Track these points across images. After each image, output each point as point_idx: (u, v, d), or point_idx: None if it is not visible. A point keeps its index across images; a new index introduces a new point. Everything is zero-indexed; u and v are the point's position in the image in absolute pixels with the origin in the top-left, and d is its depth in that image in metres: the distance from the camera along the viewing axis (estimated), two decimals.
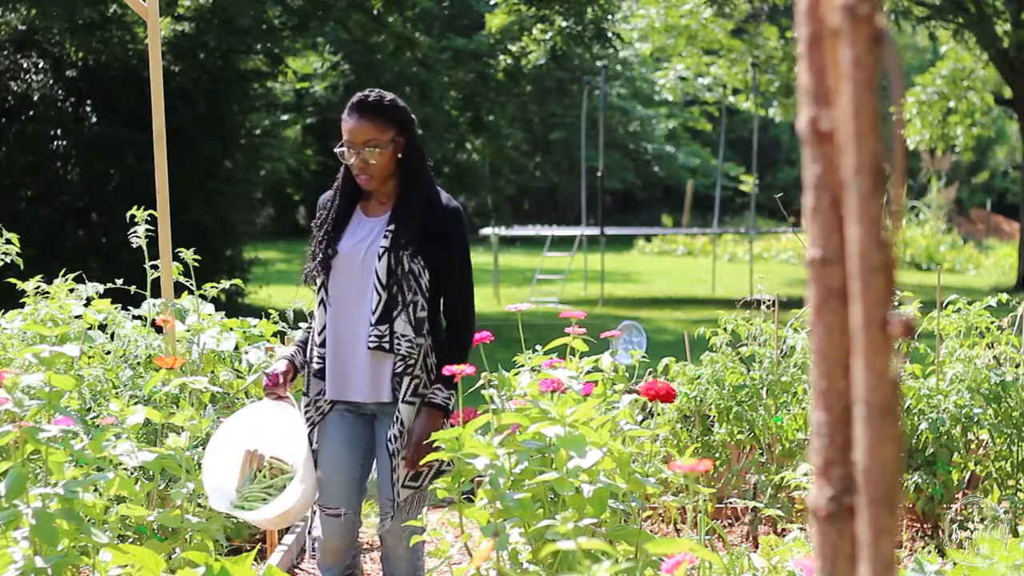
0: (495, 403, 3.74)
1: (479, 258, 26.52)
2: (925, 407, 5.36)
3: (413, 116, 4.04)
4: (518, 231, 23.78)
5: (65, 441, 3.43)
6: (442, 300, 4.02)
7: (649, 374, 5.58)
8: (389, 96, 3.99)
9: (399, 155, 3.97)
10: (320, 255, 4.01)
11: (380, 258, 3.93)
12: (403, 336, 3.92)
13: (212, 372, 5.25)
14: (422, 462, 3.81)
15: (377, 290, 3.91)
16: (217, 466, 3.95)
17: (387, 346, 3.92)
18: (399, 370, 3.93)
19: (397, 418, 3.95)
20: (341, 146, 3.97)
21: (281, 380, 4.03)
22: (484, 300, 19.41)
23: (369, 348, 3.93)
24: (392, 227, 3.94)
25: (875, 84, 1.23)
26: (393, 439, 3.95)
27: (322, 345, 4.02)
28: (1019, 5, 19.52)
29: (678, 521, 5.57)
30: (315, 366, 4.03)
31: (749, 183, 23.50)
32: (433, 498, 6.57)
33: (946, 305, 5.65)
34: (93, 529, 3.31)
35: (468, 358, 3.99)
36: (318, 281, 4.03)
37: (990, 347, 5.63)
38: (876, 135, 1.23)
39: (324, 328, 4.02)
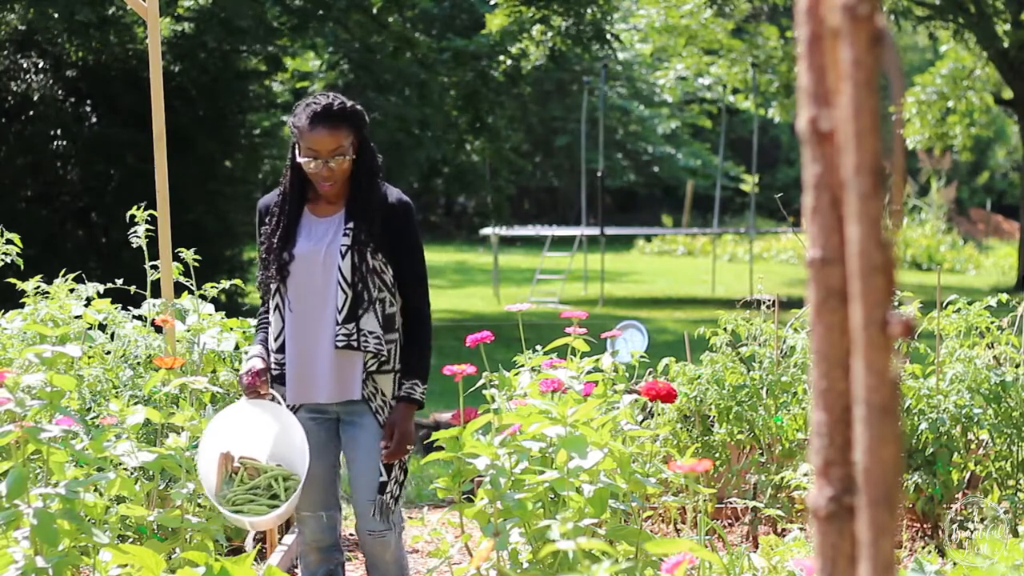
0: (495, 403, 3.74)
1: (479, 258, 26.52)
2: (925, 407, 5.36)
3: (366, 115, 4.03)
4: (518, 231, 23.77)
5: (66, 441, 3.43)
6: (401, 295, 4.03)
7: (649, 374, 5.58)
8: (348, 101, 3.99)
9: (354, 155, 3.97)
10: (275, 262, 3.98)
11: (344, 256, 3.92)
12: (371, 333, 3.92)
13: (212, 372, 5.25)
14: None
15: (342, 288, 3.91)
16: (204, 472, 3.94)
17: (355, 344, 3.91)
18: (372, 368, 3.94)
19: (384, 401, 3.98)
20: (303, 156, 3.92)
21: (264, 377, 3.98)
22: (484, 300, 19.41)
23: (337, 347, 3.91)
24: (351, 224, 3.94)
25: (875, 84, 1.24)
26: (379, 410, 3.97)
27: (279, 351, 4.00)
28: (1019, 5, 19.52)
29: (678, 521, 5.57)
30: (274, 372, 4.02)
31: (750, 183, 23.49)
32: (433, 498, 6.58)
33: (946, 305, 5.65)
34: (94, 529, 3.31)
35: (431, 353, 4.05)
36: (272, 287, 4.00)
37: (990, 347, 5.62)
38: (876, 135, 1.23)
39: (280, 333, 4.00)
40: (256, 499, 3.90)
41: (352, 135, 3.92)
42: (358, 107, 4.00)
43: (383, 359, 3.95)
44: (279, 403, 3.98)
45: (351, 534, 6.00)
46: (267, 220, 4.07)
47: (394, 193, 4.03)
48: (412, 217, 4.03)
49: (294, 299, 3.98)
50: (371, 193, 3.97)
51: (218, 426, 3.99)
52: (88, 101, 15.56)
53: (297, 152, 3.95)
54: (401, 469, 4.01)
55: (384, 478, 3.97)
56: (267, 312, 4.08)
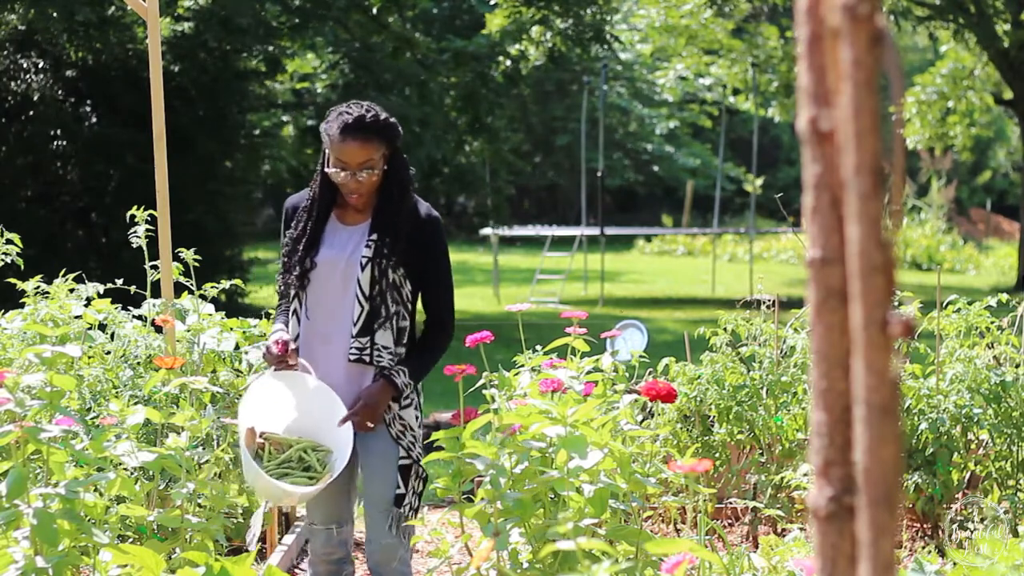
0: (495, 403, 3.74)
1: (479, 258, 26.52)
2: (925, 407, 5.36)
3: (399, 128, 3.94)
4: (518, 231, 23.76)
5: (66, 441, 3.43)
6: (424, 309, 3.97)
7: (649, 374, 5.58)
8: (382, 113, 3.89)
9: (385, 166, 3.88)
10: (297, 268, 3.91)
11: (363, 268, 3.84)
12: (384, 348, 3.85)
13: (212, 372, 5.25)
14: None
15: (359, 301, 3.84)
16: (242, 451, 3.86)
17: (367, 358, 3.84)
18: None
19: (407, 427, 3.89)
20: (332, 166, 3.84)
21: (292, 347, 3.87)
22: (484, 300, 19.41)
23: (350, 360, 3.85)
24: (375, 236, 3.86)
25: (875, 84, 1.24)
26: (399, 435, 3.88)
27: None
28: (1019, 5, 19.53)
29: (678, 521, 5.57)
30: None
31: (752, 183, 23.51)
32: (433, 498, 6.58)
33: (946, 305, 5.65)
34: (94, 529, 3.31)
35: (435, 361, 3.97)
36: (292, 292, 3.94)
37: (990, 347, 5.63)
38: (876, 135, 1.23)
39: (297, 339, 3.92)
40: (291, 472, 3.80)
41: (383, 148, 3.83)
42: (391, 120, 3.89)
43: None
44: (308, 372, 3.86)
45: (360, 532, 6.01)
46: (293, 223, 4.00)
47: (424, 207, 3.94)
48: (440, 232, 3.95)
49: (312, 306, 3.91)
50: (400, 206, 3.88)
51: (247, 403, 3.90)
52: (88, 101, 15.57)
53: (327, 160, 3.88)
54: (419, 479, 3.92)
55: (402, 490, 3.87)
56: (286, 310, 4.02)
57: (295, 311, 3.94)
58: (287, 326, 3.98)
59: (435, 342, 3.97)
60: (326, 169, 3.88)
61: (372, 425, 3.83)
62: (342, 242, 3.93)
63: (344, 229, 3.95)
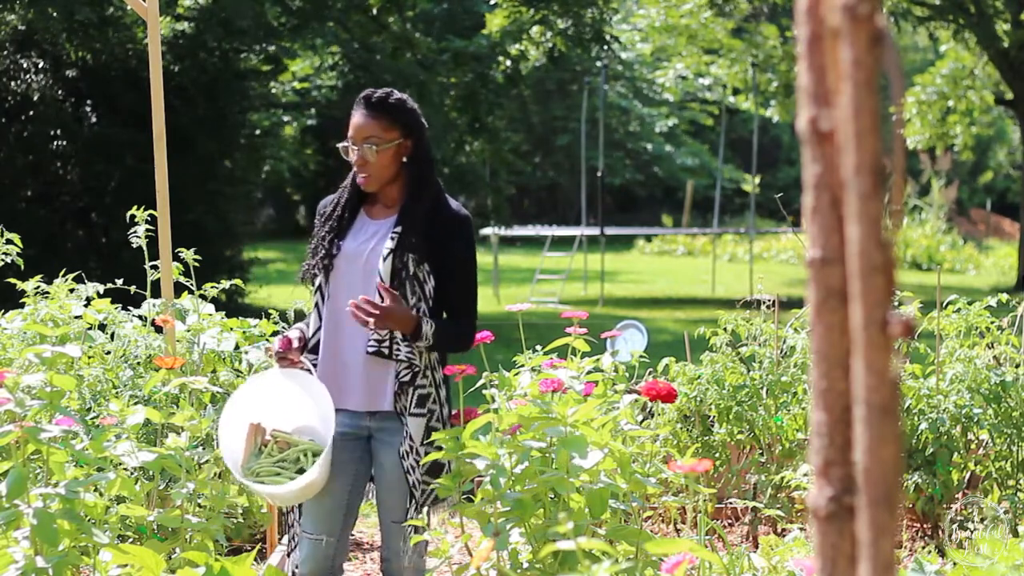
0: (495, 403, 3.74)
1: (479, 258, 26.48)
2: (925, 407, 5.37)
3: (423, 121, 3.89)
4: (518, 231, 23.74)
5: (66, 441, 3.43)
6: (446, 309, 3.88)
7: (649, 374, 5.58)
8: (398, 96, 3.84)
9: (404, 158, 3.84)
10: (322, 253, 3.87)
11: (385, 260, 3.79)
12: (403, 341, 3.77)
13: (212, 372, 5.25)
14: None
15: (380, 293, 3.77)
16: (227, 440, 3.78)
17: (386, 351, 3.77)
18: (405, 379, 3.77)
19: (407, 433, 3.78)
20: (344, 142, 3.85)
21: (295, 344, 3.82)
22: (484, 300, 19.35)
23: (368, 353, 3.78)
24: (399, 229, 3.81)
25: (875, 84, 1.24)
26: (405, 455, 3.79)
27: (314, 351, 3.86)
28: (1019, 5, 19.53)
29: (678, 521, 5.57)
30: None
31: (751, 183, 23.50)
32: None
33: (946, 305, 5.65)
34: (94, 529, 3.32)
35: (455, 342, 3.86)
36: (316, 282, 3.89)
37: (990, 347, 5.63)
38: (876, 135, 1.23)
39: (317, 332, 3.87)
40: (283, 472, 3.73)
41: (395, 132, 3.80)
42: (407, 105, 3.85)
43: (416, 369, 3.78)
44: (311, 372, 3.80)
45: (361, 532, 6.01)
46: (324, 211, 3.96)
47: (454, 204, 3.89)
48: (463, 229, 3.87)
49: (332, 297, 3.86)
50: (421, 201, 3.84)
51: (248, 394, 3.84)
52: (88, 101, 15.56)
53: None
54: (421, 493, 3.83)
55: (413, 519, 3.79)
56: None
57: (317, 304, 3.89)
58: (308, 326, 3.93)
59: (461, 329, 3.86)
60: (339, 145, 3.89)
61: (370, 321, 3.68)
62: (368, 235, 3.89)
63: (371, 223, 3.91)
